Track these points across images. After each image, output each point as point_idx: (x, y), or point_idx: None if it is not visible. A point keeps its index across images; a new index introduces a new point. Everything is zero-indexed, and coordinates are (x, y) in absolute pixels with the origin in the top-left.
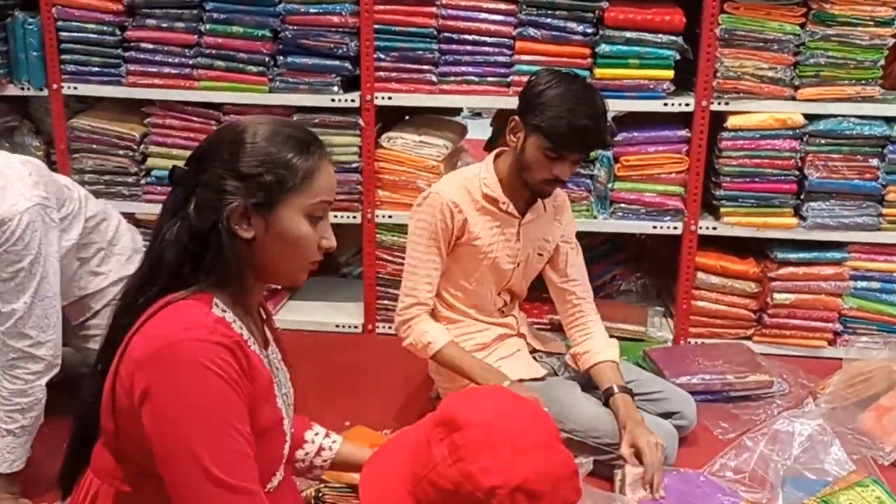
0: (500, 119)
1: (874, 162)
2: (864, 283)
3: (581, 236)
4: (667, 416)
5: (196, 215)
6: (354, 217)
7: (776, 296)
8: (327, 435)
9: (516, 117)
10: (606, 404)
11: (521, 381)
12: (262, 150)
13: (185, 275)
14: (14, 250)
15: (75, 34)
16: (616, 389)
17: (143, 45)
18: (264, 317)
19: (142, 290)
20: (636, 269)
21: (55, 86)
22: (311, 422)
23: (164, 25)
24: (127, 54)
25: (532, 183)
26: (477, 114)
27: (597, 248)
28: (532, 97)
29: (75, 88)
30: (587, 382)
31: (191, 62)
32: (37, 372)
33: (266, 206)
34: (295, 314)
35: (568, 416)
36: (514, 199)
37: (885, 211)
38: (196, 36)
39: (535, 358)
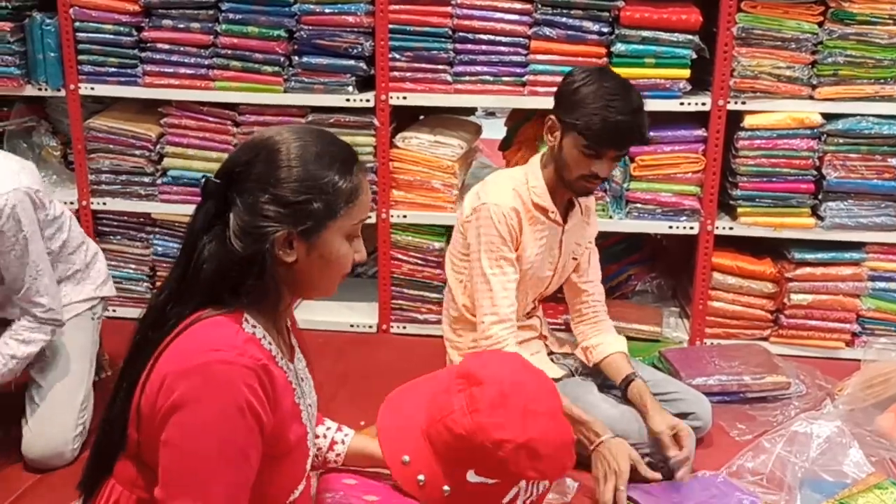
0: (515, 119)
1: (893, 161)
2: (882, 284)
3: (596, 236)
4: (682, 416)
5: (238, 240)
6: (369, 217)
7: (793, 296)
8: (339, 429)
9: (552, 116)
10: (626, 391)
11: None
12: (304, 174)
13: (220, 295)
14: (8, 227)
15: (92, 35)
16: (635, 376)
17: (159, 45)
18: (289, 325)
19: (173, 307)
20: (651, 269)
21: (72, 86)
22: (324, 417)
23: (181, 26)
24: (143, 55)
25: (571, 181)
26: (491, 113)
27: (612, 248)
28: (567, 95)
29: (92, 89)
30: (603, 382)
31: (206, 62)
32: (47, 333)
33: (313, 231)
34: (309, 314)
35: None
36: (557, 204)
37: None
38: (212, 36)
39: (552, 360)
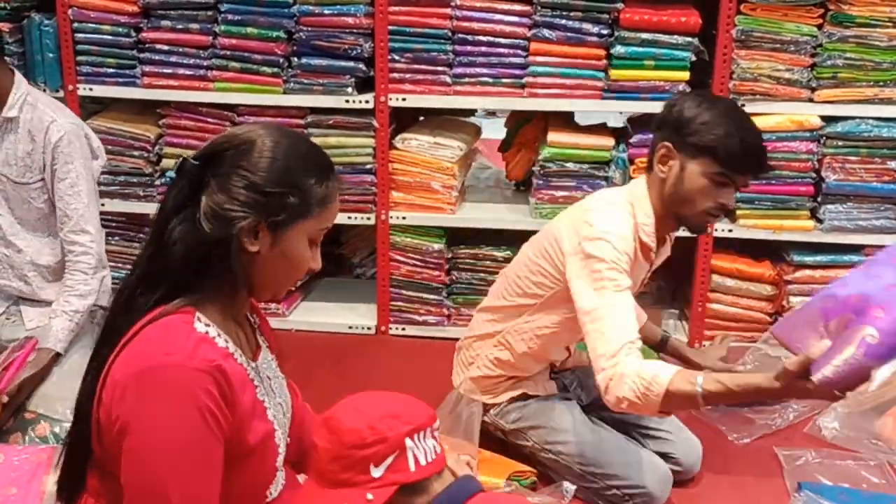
0: (515, 120)
1: (892, 164)
2: None
3: None
4: (662, 456)
5: (207, 221)
6: (368, 218)
7: (792, 299)
8: None
9: (667, 144)
10: (664, 349)
11: (525, 395)
12: (284, 167)
13: (187, 280)
14: (67, 151)
15: (91, 35)
16: (668, 335)
17: (158, 46)
18: (256, 324)
19: (143, 291)
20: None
21: (71, 87)
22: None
23: (179, 27)
24: (142, 56)
25: (692, 216)
26: (491, 113)
27: None
28: (684, 120)
29: (91, 90)
30: (593, 402)
31: (205, 63)
32: (93, 266)
33: (281, 225)
34: (308, 315)
35: (558, 439)
36: (658, 243)
37: None
38: (211, 37)
39: (551, 374)
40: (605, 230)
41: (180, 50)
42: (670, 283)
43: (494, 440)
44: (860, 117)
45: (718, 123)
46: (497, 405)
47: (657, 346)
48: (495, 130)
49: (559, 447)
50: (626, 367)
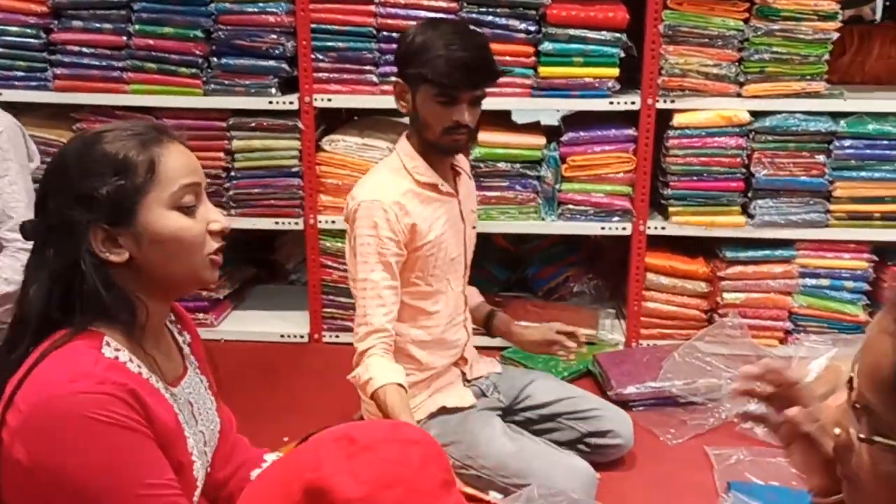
0: None
1: (820, 158)
2: (813, 281)
3: (531, 238)
4: (601, 434)
5: (55, 257)
6: (297, 223)
7: (726, 295)
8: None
9: (397, 80)
10: (491, 325)
11: (444, 409)
12: (89, 164)
13: (54, 321)
14: (6, 148)
15: None
16: (496, 311)
17: (69, 47)
18: (187, 342)
19: (8, 351)
20: (589, 271)
21: None
22: (264, 453)
23: (92, 27)
24: (53, 58)
25: (437, 139)
26: None
27: (550, 250)
28: (404, 51)
29: (0, 94)
30: (510, 407)
31: (120, 65)
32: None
33: (122, 219)
34: (239, 324)
35: (479, 452)
36: (443, 176)
37: (832, 207)
38: (125, 37)
39: (464, 382)
40: (356, 203)
41: (93, 51)
42: (608, 283)
43: None
44: (788, 111)
45: (427, 48)
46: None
47: (484, 323)
48: None
49: (481, 461)
50: (369, 358)
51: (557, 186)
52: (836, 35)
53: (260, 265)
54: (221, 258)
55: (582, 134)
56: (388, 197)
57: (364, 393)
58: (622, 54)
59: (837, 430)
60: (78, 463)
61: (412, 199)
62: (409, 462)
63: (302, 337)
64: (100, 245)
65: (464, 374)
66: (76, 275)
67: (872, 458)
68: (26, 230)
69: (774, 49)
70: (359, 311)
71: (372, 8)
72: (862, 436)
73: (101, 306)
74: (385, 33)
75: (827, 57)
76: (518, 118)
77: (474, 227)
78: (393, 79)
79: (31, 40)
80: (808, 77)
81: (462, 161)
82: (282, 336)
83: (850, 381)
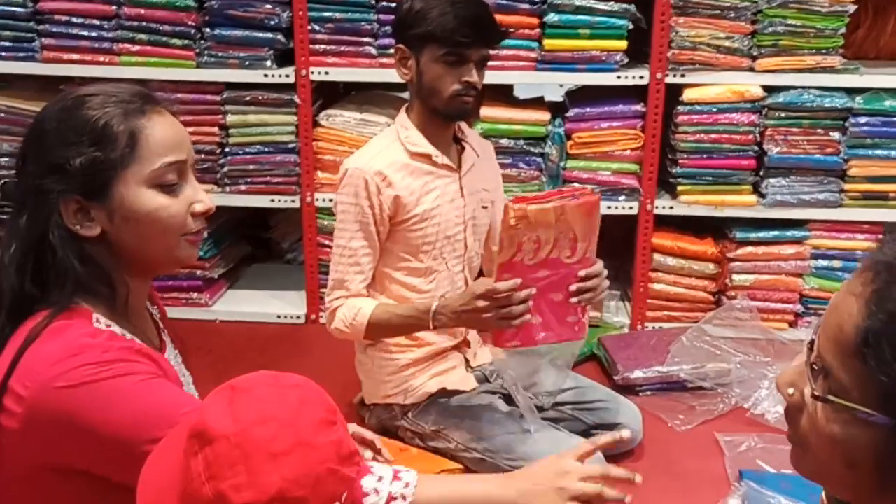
0: None
1: (835, 135)
2: (825, 263)
3: None
4: (608, 427)
5: (26, 228)
6: (293, 201)
7: (735, 277)
8: (396, 477)
9: (399, 46)
10: None
11: (444, 391)
12: (66, 130)
13: (30, 296)
14: None
15: None
16: None
17: (57, 17)
18: (157, 317)
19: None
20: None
21: None
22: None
23: None
24: (40, 27)
25: (445, 104)
26: None
27: None
28: (405, 16)
29: None
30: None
31: (110, 35)
32: None
33: (96, 193)
34: (234, 305)
35: (482, 434)
36: (442, 149)
37: (846, 186)
38: (115, 7)
39: (467, 368)
40: (343, 170)
41: (82, 21)
42: (613, 263)
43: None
44: (802, 87)
45: (430, 7)
46: (416, 405)
47: None
48: None
49: (484, 444)
50: (346, 302)
51: (562, 164)
52: (853, 8)
53: (255, 243)
54: (203, 236)
55: (588, 109)
56: (371, 166)
57: (358, 330)
58: (630, 26)
59: (791, 391)
60: (105, 421)
61: (400, 170)
62: (287, 402)
63: (298, 318)
64: (71, 217)
65: (467, 360)
66: (46, 247)
67: (826, 417)
68: (6, 189)
69: (789, 21)
70: (335, 275)
71: None
72: (817, 394)
73: (77, 281)
74: (384, 3)
75: (843, 31)
76: (520, 94)
77: (485, 207)
78: (394, 47)
79: (18, 9)
80: (824, 51)
81: (472, 137)
82: (278, 317)
83: (812, 343)
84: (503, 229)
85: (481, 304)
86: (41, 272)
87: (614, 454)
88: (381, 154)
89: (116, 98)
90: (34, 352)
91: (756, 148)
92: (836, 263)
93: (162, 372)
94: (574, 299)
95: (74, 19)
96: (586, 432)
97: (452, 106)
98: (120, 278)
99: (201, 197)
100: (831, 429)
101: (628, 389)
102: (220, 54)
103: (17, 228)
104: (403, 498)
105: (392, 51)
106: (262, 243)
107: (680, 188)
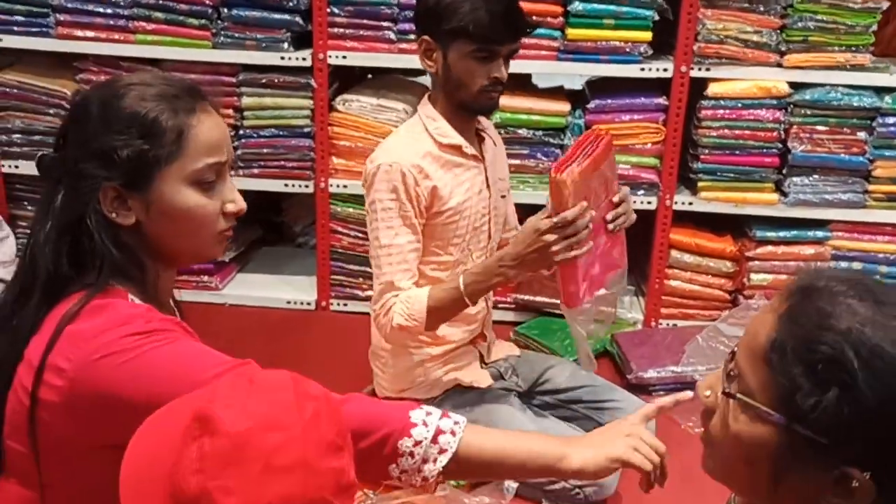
0: None
1: (861, 135)
2: (845, 264)
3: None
4: None
5: (62, 208)
6: (307, 186)
7: (753, 276)
8: (446, 414)
9: (425, 38)
10: None
11: (459, 385)
12: (113, 119)
13: (65, 277)
14: None
15: None
16: None
17: None
18: (175, 311)
19: (18, 302)
20: None
21: None
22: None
23: None
24: (55, 3)
25: (473, 99)
26: None
27: None
28: (431, 6)
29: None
30: (530, 389)
31: (126, 13)
32: None
33: (137, 184)
34: (244, 288)
35: None
36: (468, 140)
37: (871, 188)
38: None
39: (482, 364)
40: (374, 167)
41: None
42: (627, 256)
43: None
44: (830, 84)
45: (462, 1)
46: (429, 400)
47: None
48: None
49: None
50: (390, 303)
51: None
52: (886, 4)
53: (267, 226)
54: (230, 234)
55: (609, 101)
56: (406, 159)
57: (419, 320)
58: (656, 17)
59: (708, 393)
60: (148, 393)
61: (432, 163)
62: (301, 412)
63: (309, 304)
64: (108, 204)
65: (482, 355)
66: (83, 231)
67: (734, 416)
68: (44, 164)
69: (819, 17)
70: (382, 278)
71: None
72: (728, 391)
73: (114, 264)
74: None
75: (874, 28)
76: (538, 82)
77: (503, 197)
78: (417, 37)
79: None
80: (854, 48)
81: (489, 127)
82: (288, 302)
83: (733, 353)
84: (558, 203)
85: (549, 237)
86: (76, 254)
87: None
88: (412, 146)
89: (166, 91)
90: (76, 327)
91: (780, 145)
92: (857, 265)
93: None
94: (610, 226)
95: None
96: None
97: (480, 101)
98: (150, 265)
99: (234, 196)
100: (737, 426)
101: (641, 388)
102: (236, 35)
103: (52, 207)
104: (453, 434)
105: (412, 36)
106: (273, 226)
107: (700, 184)
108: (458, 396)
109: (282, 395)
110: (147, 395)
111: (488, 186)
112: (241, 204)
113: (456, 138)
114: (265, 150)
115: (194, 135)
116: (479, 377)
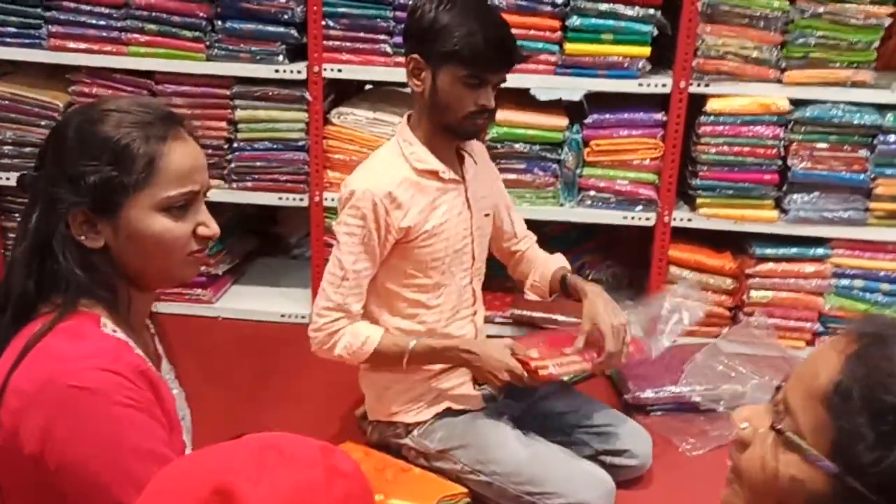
0: None
1: (863, 153)
2: (846, 282)
3: (545, 224)
4: (615, 453)
5: (35, 228)
6: (301, 199)
7: (753, 293)
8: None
9: (414, 56)
10: (565, 286)
11: (450, 410)
12: (87, 143)
13: (35, 296)
14: None
15: None
16: (566, 271)
17: (65, 4)
18: (153, 331)
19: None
20: (606, 257)
21: None
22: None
23: None
24: (48, 14)
25: (456, 123)
26: None
27: (565, 235)
28: (425, 27)
29: None
30: (525, 412)
31: (119, 25)
32: None
33: (105, 209)
34: (237, 302)
35: (489, 457)
36: (447, 163)
37: (872, 205)
38: None
39: (474, 385)
40: (348, 191)
41: (91, 9)
42: (626, 270)
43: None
44: (832, 101)
45: (458, 25)
46: (421, 424)
47: (561, 287)
48: None
49: (492, 466)
50: (350, 327)
51: (578, 171)
52: (889, 21)
53: (262, 237)
54: (204, 255)
55: (607, 116)
56: (380, 188)
57: (360, 358)
58: (655, 32)
59: (745, 425)
60: (88, 440)
61: (408, 189)
62: (331, 493)
63: (303, 317)
64: (77, 227)
65: (474, 377)
66: (50, 252)
67: (775, 453)
68: (24, 182)
69: (821, 33)
70: (335, 297)
71: None
72: (777, 427)
73: (80, 286)
74: (401, 1)
75: (877, 44)
76: (538, 94)
77: (487, 215)
78: (408, 55)
79: None
80: (855, 65)
81: (469, 143)
82: (282, 316)
83: (778, 388)
84: (530, 380)
85: (506, 377)
86: (44, 275)
87: (623, 480)
88: (387, 173)
89: (140, 118)
90: (43, 349)
91: (780, 162)
92: (858, 283)
93: (159, 401)
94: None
95: (83, 7)
96: (594, 457)
97: (464, 126)
98: (122, 287)
99: (207, 220)
100: (777, 465)
101: (638, 409)
102: (230, 47)
103: (26, 231)
104: None
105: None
106: (268, 237)
107: (699, 201)
108: (449, 420)
109: (312, 473)
110: (84, 453)
111: (469, 207)
112: (215, 229)
113: (433, 164)
114: (259, 164)
115: (165, 164)
116: (470, 399)
